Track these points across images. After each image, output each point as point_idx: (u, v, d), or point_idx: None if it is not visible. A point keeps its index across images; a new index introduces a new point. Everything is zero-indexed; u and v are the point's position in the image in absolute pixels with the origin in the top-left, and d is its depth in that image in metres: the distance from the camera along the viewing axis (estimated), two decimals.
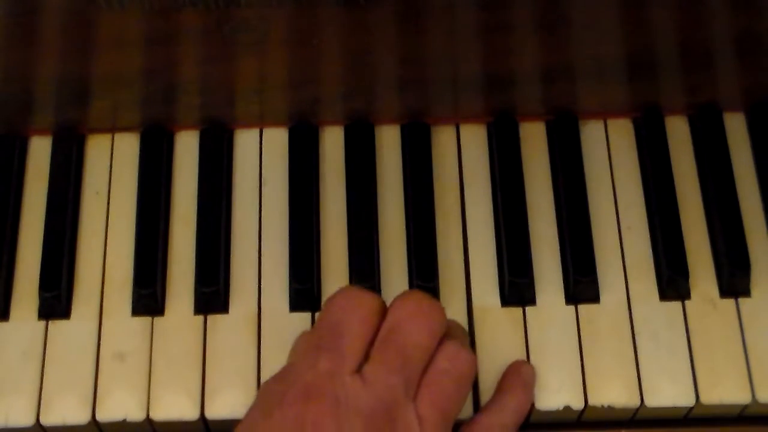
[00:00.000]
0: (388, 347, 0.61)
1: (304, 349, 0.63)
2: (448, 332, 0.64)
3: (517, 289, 0.70)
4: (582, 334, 0.69)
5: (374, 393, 0.60)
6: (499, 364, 0.68)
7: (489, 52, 0.70)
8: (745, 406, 0.68)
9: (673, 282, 0.70)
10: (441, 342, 0.63)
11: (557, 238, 0.72)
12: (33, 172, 0.75)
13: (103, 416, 0.67)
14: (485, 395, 0.67)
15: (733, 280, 0.70)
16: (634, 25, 0.68)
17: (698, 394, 0.67)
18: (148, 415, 0.67)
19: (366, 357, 0.61)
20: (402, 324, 0.62)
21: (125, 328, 0.70)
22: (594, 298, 0.70)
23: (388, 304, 0.66)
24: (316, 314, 0.70)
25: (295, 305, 0.70)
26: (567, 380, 0.68)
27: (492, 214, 0.73)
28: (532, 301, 0.70)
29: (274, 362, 0.67)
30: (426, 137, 0.75)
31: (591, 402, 0.67)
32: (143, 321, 0.70)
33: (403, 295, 0.64)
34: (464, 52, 0.70)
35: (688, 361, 0.68)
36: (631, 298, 0.70)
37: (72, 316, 0.70)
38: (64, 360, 0.69)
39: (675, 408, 0.68)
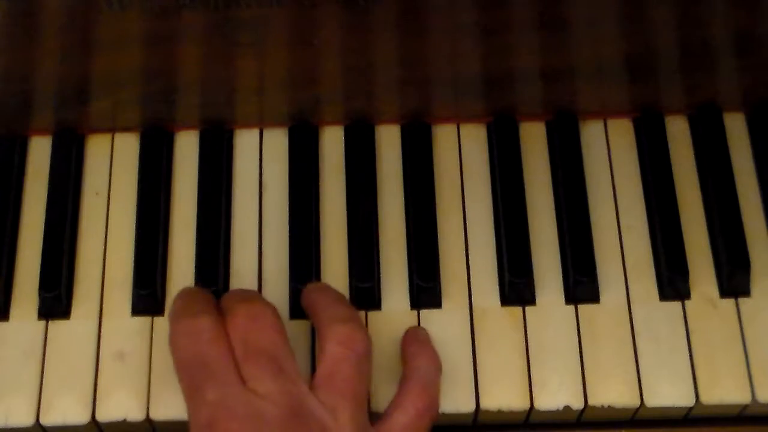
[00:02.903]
0: (256, 359, 0.61)
1: (186, 395, 0.62)
2: (332, 312, 0.64)
3: (517, 289, 0.70)
4: (582, 334, 0.69)
5: (275, 403, 0.60)
6: (499, 364, 0.68)
7: (489, 52, 0.70)
8: (745, 406, 0.68)
9: (673, 282, 0.70)
10: (328, 324, 0.63)
11: (557, 238, 0.72)
12: (33, 172, 0.75)
13: (103, 416, 0.67)
14: (485, 398, 0.67)
15: (733, 280, 0.70)
16: (634, 25, 0.68)
17: (698, 394, 0.67)
18: (148, 415, 0.67)
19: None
20: (249, 335, 0.62)
21: (125, 328, 0.70)
22: (594, 298, 0.70)
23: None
24: None
25: (296, 304, 0.70)
26: (567, 380, 0.68)
27: (492, 214, 0.73)
28: (532, 301, 0.70)
29: None
30: (426, 137, 0.75)
31: (591, 402, 0.67)
32: (143, 321, 0.70)
33: (230, 309, 0.64)
34: (464, 52, 0.70)
35: (688, 361, 0.68)
36: (631, 298, 0.70)
37: (72, 315, 0.70)
38: (64, 360, 0.69)
39: (675, 408, 0.68)
